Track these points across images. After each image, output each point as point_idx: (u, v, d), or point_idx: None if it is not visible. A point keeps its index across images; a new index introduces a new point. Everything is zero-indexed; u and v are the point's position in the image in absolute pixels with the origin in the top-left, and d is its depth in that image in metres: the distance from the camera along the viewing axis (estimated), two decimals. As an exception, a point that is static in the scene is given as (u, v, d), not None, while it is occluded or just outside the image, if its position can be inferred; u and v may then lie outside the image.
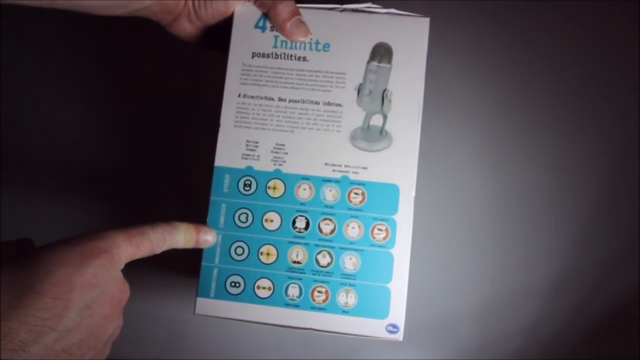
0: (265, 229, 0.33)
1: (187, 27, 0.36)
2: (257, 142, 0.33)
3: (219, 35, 0.37)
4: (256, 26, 0.34)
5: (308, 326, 0.32)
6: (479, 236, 0.46)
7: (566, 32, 0.47)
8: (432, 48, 0.47)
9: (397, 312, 0.32)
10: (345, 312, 0.32)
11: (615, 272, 0.45)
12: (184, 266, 0.44)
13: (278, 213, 0.33)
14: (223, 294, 0.33)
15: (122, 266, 0.27)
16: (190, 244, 0.31)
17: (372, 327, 0.32)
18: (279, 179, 0.33)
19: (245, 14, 0.34)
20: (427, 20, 0.34)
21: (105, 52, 0.51)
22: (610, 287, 0.45)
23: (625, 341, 0.44)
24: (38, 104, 0.50)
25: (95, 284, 0.24)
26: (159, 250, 0.29)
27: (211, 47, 0.39)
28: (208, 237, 0.32)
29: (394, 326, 0.32)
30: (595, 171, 0.46)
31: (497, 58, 0.48)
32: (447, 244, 0.46)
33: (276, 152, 0.33)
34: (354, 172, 0.33)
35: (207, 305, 0.33)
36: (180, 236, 0.30)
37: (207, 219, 0.33)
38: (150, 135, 0.50)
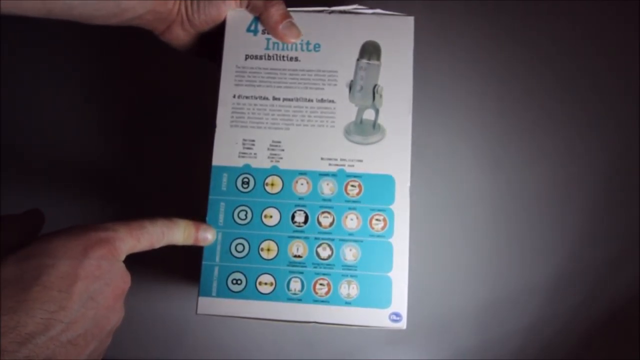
0: (265, 225, 0.33)
1: (180, 35, 0.37)
2: (253, 141, 0.34)
3: (211, 43, 0.38)
4: (248, 30, 0.36)
5: (312, 319, 0.32)
6: (479, 236, 0.47)
7: (565, 33, 0.48)
8: (432, 50, 0.49)
9: (399, 300, 0.32)
10: (348, 303, 0.32)
11: (615, 273, 0.45)
12: (184, 266, 0.44)
13: (277, 209, 0.33)
14: (225, 292, 0.32)
15: (123, 257, 0.27)
16: (189, 241, 0.31)
17: (375, 317, 0.32)
18: (277, 175, 0.34)
19: (237, 19, 0.36)
20: (411, 19, 0.35)
21: (108, 51, 0.52)
22: (610, 288, 0.45)
23: (625, 341, 0.45)
24: (38, 104, 0.50)
25: (99, 276, 0.24)
26: (157, 245, 0.29)
27: (203, 55, 0.40)
28: (207, 235, 0.32)
29: (397, 315, 0.32)
30: (595, 171, 0.47)
31: (497, 59, 0.49)
32: (447, 244, 0.47)
33: (273, 149, 0.34)
34: (349, 165, 0.34)
35: (209, 304, 0.32)
36: (179, 232, 0.30)
37: (207, 218, 0.33)
38: (150, 135, 0.50)
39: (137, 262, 0.30)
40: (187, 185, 0.47)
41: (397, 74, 0.35)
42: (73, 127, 0.50)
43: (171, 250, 0.31)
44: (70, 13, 0.33)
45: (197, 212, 0.33)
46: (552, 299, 0.45)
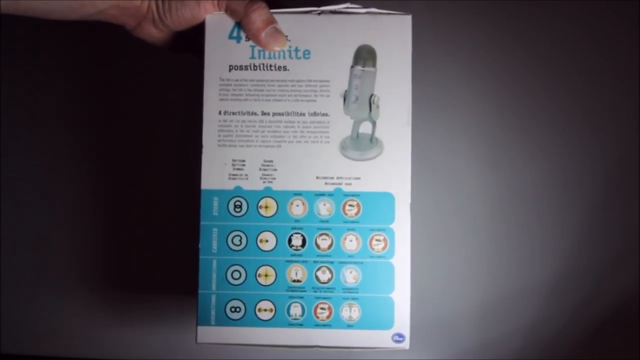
0: (261, 249, 0.32)
1: (153, 32, 0.34)
2: (243, 161, 0.32)
3: (190, 38, 0.34)
4: (230, 37, 0.32)
5: (314, 344, 0.32)
6: (478, 236, 0.46)
7: (565, 33, 0.46)
8: (430, 50, 0.46)
9: (402, 321, 0.32)
10: (350, 326, 0.32)
11: (615, 272, 0.45)
12: (183, 289, 0.43)
13: (272, 232, 0.32)
14: (224, 320, 0.32)
15: None
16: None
17: (378, 339, 0.32)
18: (270, 197, 0.32)
19: (217, 24, 0.32)
20: (409, 17, 0.32)
21: (111, 54, 0.49)
22: (610, 287, 0.45)
23: (625, 341, 0.45)
24: (38, 101, 0.48)
25: None
26: None
27: (184, 51, 0.37)
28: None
29: (400, 335, 0.32)
30: (595, 171, 0.45)
31: (497, 59, 0.46)
32: (446, 244, 0.46)
33: (265, 170, 0.32)
34: (347, 184, 0.32)
35: (208, 333, 0.32)
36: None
37: (199, 245, 0.32)
38: (151, 145, 0.48)
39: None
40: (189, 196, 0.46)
41: (395, 81, 0.32)
42: (73, 130, 0.48)
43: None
44: (15, 7, 0.29)
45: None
46: (552, 299, 0.45)
